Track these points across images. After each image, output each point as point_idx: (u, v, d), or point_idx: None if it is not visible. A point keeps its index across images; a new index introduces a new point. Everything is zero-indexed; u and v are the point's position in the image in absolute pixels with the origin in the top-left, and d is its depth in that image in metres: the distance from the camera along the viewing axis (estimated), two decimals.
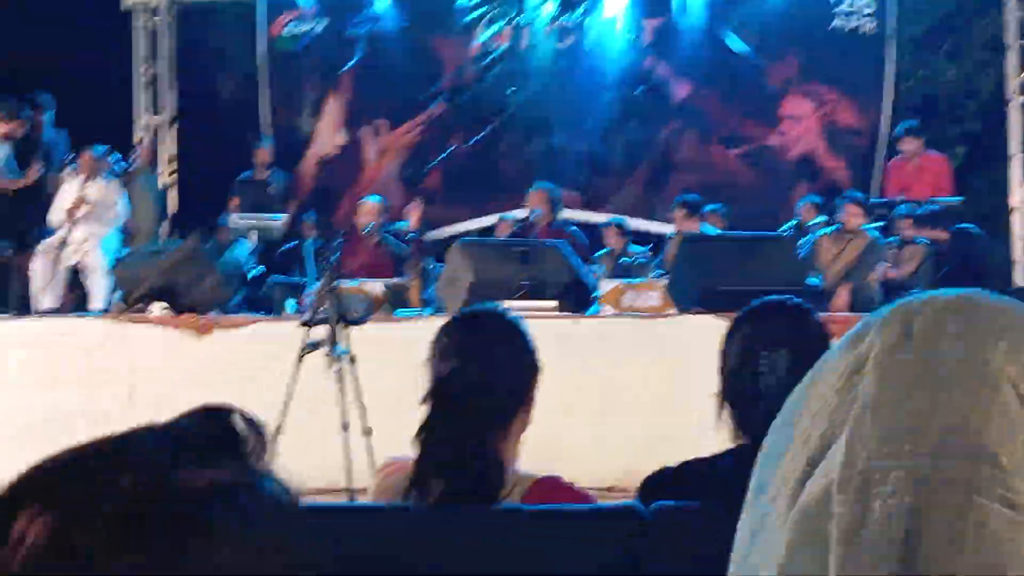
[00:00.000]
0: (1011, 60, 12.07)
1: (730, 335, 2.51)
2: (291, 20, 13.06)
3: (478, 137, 12.83)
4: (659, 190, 12.14)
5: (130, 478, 0.75)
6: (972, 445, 0.72)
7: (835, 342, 0.86)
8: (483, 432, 2.40)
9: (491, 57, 12.83)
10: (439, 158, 12.88)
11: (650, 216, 11.94)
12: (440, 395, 2.43)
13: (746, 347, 2.44)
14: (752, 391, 2.38)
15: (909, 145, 10.84)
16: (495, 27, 12.73)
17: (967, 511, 0.71)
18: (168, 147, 13.08)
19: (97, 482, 0.75)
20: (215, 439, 0.81)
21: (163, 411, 0.87)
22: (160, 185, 12.69)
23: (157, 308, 8.20)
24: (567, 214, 10.85)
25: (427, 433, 2.41)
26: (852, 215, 9.39)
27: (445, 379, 2.44)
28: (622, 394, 7.26)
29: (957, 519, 0.71)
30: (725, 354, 2.50)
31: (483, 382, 2.43)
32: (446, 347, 2.49)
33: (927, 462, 0.72)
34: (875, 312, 0.81)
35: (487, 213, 11.56)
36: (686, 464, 2.50)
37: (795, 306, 2.54)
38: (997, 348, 0.75)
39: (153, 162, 12.40)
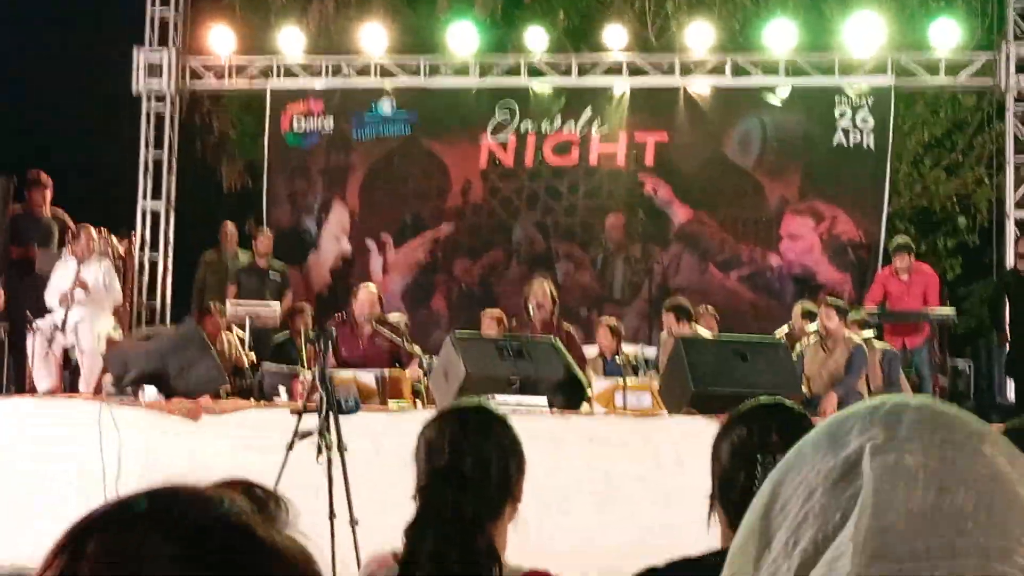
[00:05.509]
0: (1008, 176, 12.18)
1: (722, 437, 2.49)
2: (298, 114, 13.09)
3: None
4: (659, 316, 11.92)
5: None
6: (983, 542, 0.71)
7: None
8: (473, 527, 2.40)
9: (497, 173, 12.83)
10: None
11: (652, 342, 11.78)
12: (430, 491, 2.44)
13: (739, 450, 2.43)
14: (746, 495, 2.35)
15: (900, 261, 11.00)
16: (500, 136, 12.74)
17: None
18: (166, 232, 13.12)
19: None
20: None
21: None
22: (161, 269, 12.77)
23: (148, 393, 8.17)
24: None
25: (417, 528, 2.41)
26: (827, 318, 9.40)
27: (435, 475, 2.45)
28: (614, 492, 7.22)
29: None
30: (717, 456, 2.48)
31: (473, 478, 2.44)
32: (433, 443, 2.50)
33: (944, 563, 0.71)
34: (847, 415, 0.81)
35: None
36: (674, 564, 2.48)
37: (788, 409, 2.53)
38: (984, 445, 0.75)
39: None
